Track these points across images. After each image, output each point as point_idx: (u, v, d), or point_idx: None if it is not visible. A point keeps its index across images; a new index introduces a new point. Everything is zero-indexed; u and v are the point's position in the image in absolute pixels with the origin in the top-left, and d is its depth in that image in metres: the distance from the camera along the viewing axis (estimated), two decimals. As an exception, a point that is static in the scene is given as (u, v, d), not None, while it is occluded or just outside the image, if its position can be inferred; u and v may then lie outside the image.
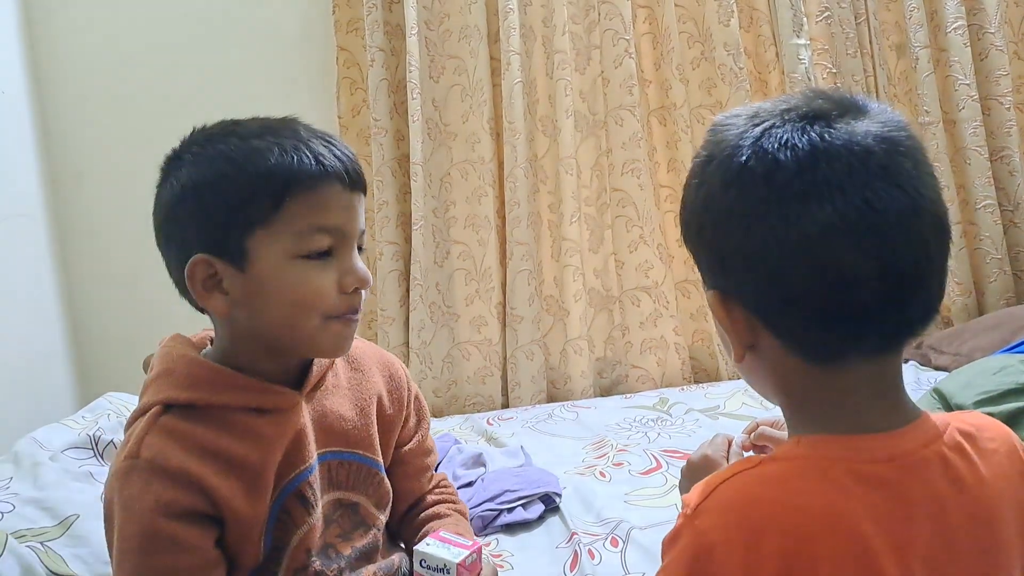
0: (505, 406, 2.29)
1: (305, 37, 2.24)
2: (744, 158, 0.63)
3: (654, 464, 1.71)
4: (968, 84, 2.36)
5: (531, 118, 2.26)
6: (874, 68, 2.39)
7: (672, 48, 2.29)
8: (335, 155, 0.87)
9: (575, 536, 1.39)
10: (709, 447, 0.89)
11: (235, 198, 0.85)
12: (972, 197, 2.40)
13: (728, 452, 0.89)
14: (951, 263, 2.31)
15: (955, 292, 2.41)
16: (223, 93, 2.21)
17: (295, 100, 2.24)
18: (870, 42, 2.38)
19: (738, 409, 2.03)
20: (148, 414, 0.88)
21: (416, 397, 1.11)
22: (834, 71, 2.38)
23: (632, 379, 2.33)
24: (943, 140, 2.38)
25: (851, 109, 0.64)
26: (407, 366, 2.22)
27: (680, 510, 0.65)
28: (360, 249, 0.92)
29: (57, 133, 2.14)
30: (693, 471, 0.87)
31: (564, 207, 2.25)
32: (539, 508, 1.49)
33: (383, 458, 1.04)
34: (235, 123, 0.89)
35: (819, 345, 0.64)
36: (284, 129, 0.88)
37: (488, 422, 2.06)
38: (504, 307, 2.27)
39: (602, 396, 2.29)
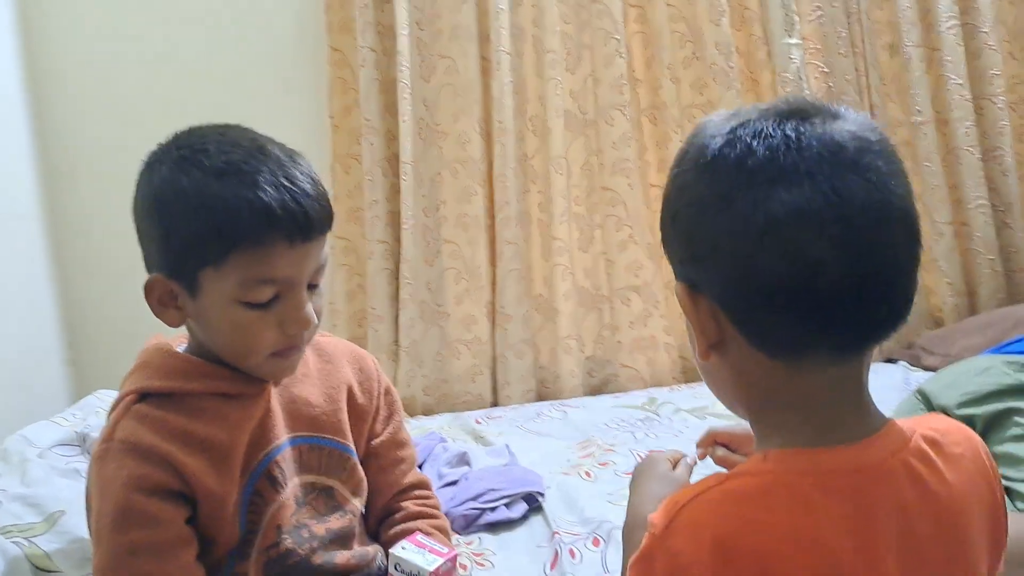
0: (495, 404, 2.31)
1: (298, 37, 2.25)
2: (718, 145, 0.64)
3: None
4: (961, 83, 2.36)
5: (521, 118, 2.27)
6: (866, 67, 2.39)
7: (663, 47, 2.29)
8: (288, 206, 0.88)
9: (556, 535, 1.41)
10: (655, 453, 0.92)
11: (189, 236, 0.89)
12: (964, 197, 2.40)
13: (676, 462, 0.91)
14: (943, 264, 2.34)
15: (947, 292, 2.41)
16: (217, 92, 2.22)
17: (288, 99, 2.26)
18: (862, 41, 2.39)
19: (727, 409, 2.03)
20: (123, 402, 0.94)
21: (387, 390, 1.14)
22: (826, 70, 2.39)
23: (622, 378, 2.34)
24: (935, 140, 2.38)
25: (827, 112, 0.65)
26: (397, 364, 2.25)
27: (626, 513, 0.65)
28: (313, 287, 0.95)
29: (52, 132, 2.16)
30: (638, 474, 0.90)
31: (554, 206, 2.26)
32: (522, 507, 1.50)
33: (356, 447, 1.08)
34: (203, 149, 0.90)
35: (782, 337, 0.63)
36: (245, 168, 0.88)
37: (476, 420, 2.07)
38: (494, 306, 2.29)
39: (592, 395, 2.30)
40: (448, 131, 2.25)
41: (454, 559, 0.96)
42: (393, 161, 2.23)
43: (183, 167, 0.90)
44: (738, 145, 0.62)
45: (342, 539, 1.04)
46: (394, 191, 2.23)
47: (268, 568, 0.98)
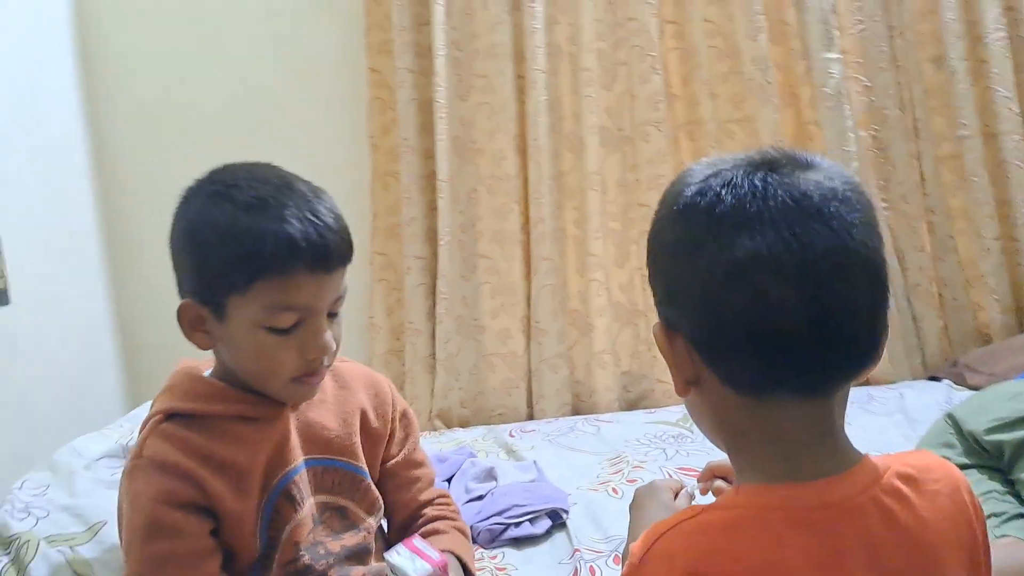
0: (530, 418, 2.34)
1: (340, 59, 2.32)
2: (691, 193, 0.67)
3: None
4: (1009, 96, 2.32)
5: (556, 135, 2.30)
6: (909, 81, 2.36)
7: (700, 63, 2.30)
8: (311, 238, 0.93)
9: (577, 552, 1.43)
10: (659, 481, 0.94)
11: (218, 266, 0.95)
12: (1013, 213, 2.35)
13: (678, 492, 0.93)
14: (990, 281, 2.29)
15: (995, 309, 2.36)
16: (263, 112, 2.31)
17: (329, 119, 2.33)
18: (905, 54, 2.36)
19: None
20: (151, 421, 1.01)
21: (404, 414, 1.19)
22: (868, 84, 2.37)
23: (658, 393, 2.35)
24: (982, 154, 2.34)
25: (800, 163, 0.67)
26: (433, 377, 2.29)
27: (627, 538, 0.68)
28: (333, 315, 1.00)
29: (108, 153, 2.26)
30: (639, 499, 0.91)
31: (589, 222, 2.28)
32: (546, 523, 1.53)
33: (371, 469, 1.12)
34: (235, 184, 0.96)
35: (748, 376, 0.66)
36: (272, 202, 0.94)
37: (510, 434, 2.10)
38: (529, 320, 2.32)
39: (627, 410, 2.31)
40: (484, 149, 2.29)
41: (444, 567, 0.99)
42: (430, 179, 2.28)
43: (215, 201, 0.96)
44: (708, 194, 0.65)
45: (357, 555, 1.08)
46: (431, 208, 2.28)
47: None
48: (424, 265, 2.29)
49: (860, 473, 0.67)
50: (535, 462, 1.80)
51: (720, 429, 0.72)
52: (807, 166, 0.66)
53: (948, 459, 1.36)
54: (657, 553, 0.65)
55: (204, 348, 1.02)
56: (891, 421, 1.97)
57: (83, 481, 1.26)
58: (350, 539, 1.08)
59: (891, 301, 0.69)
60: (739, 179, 0.65)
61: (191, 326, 0.99)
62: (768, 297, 0.62)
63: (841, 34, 2.32)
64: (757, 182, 0.64)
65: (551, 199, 2.27)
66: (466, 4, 2.26)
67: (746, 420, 0.68)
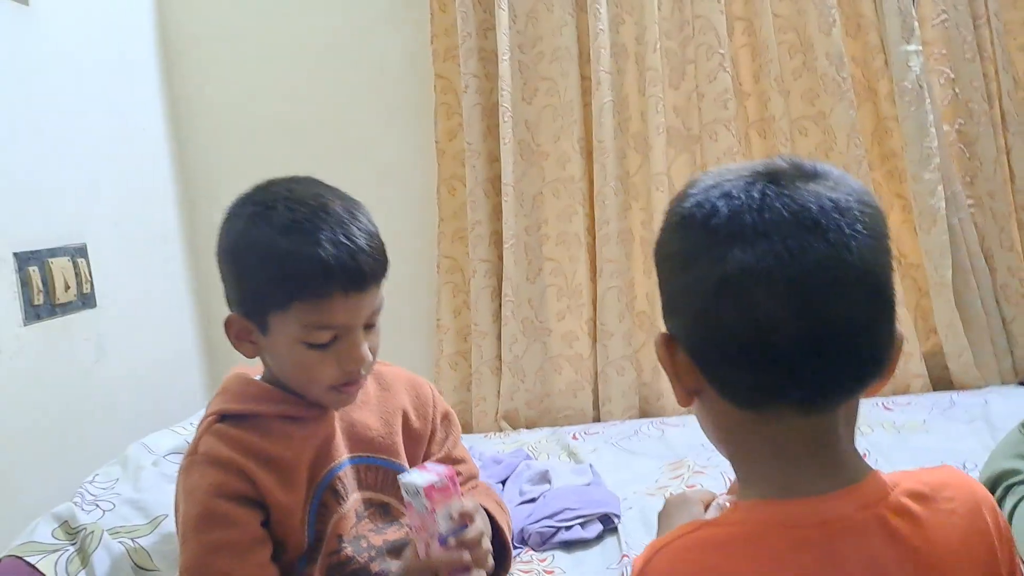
0: (596, 420, 2.33)
1: (407, 67, 2.37)
2: (689, 204, 0.66)
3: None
4: (1111, 85, 2.17)
5: (622, 135, 2.28)
6: (996, 73, 2.23)
7: (771, 59, 2.24)
8: (344, 261, 0.97)
9: (626, 558, 1.42)
10: (690, 491, 0.92)
11: (258, 284, 1.01)
12: (1115, 208, 2.20)
13: (708, 504, 0.91)
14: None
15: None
16: (335, 119, 2.38)
17: (397, 126, 2.39)
18: (991, 44, 2.23)
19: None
20: (206, 421, 1.08)
21: (445, 415, 1.22)
22: (952, 77, 2.26)
23: (727, 397, 2.30)
24: (1079, 147, 2.20)
25: (806, 174, 0.65)
26: (500, 378, 2.31)
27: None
28: (370, 327, 1.04)
29: (191, 159, 2.38)
30: (669, 508, 0.90)
31: (655, 224, 2.25)
32: (597, 528, 1.52)
33: (411, 466, 1.15)
34: (273, 206, 1.01)
35: (744, 389, 0.65)
36: (307, 225, 0.98)
37: (573, 436, 2.11)
38: (595, 323, 2.31)
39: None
40: (549, 151, 2.29)
41: (452, 477, 1.00)
42: (495, 182, 2.30)
43: (255, 222, 1.01)
44: (707, 205, 0.65)
45: (399, 550, 1.11)
46: (496, 211, 2.30)
47: (330, 572, 1.07)
48: (490, 268, 2.31)
49: (864, 490, 0.65)
50: (591, 465, 1.80)
51: (722, 442, 0.71)
52: (812, 177, 0.65)
53: (1021, 472, 1.29)
54: (654, 567, 0.65)
55: (251, 357, 1.08)
56: (971, 429, 1.88)
57: (149, 476, 1.34)
58: (392, 534, 1.12)
59: (899, 313, 0.66)
60: (737, 191, 0.64)
61: (238, 337, 1.06)
62: (759, 312, 0.61)
63: (922, 25, 2.22)
64: (755, 194, 0.63)
65: (616, 201, 2.25)
66: (531, 8, 2.27)
67: (745, 433, 0.67)
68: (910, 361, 2.24)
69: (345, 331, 1.01)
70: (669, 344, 0.69)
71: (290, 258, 0.97)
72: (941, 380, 2.27)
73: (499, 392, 2.32)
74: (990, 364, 2.23)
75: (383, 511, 1.12)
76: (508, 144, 2.22)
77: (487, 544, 1.03)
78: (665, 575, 0.64)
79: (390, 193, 2.39)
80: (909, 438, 1.88)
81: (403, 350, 2.12)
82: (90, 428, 1.75)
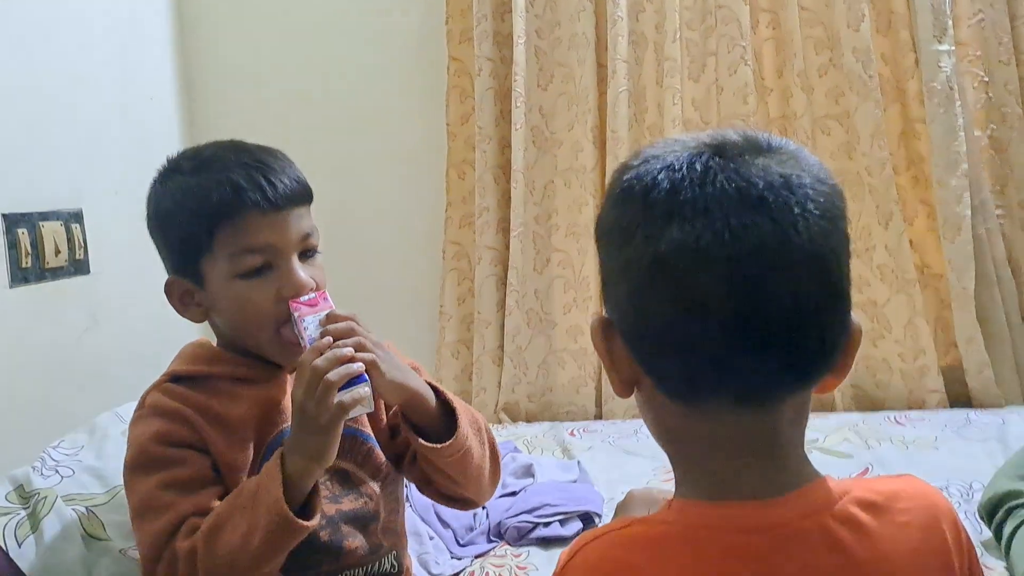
0: (598, 418, 2.27)
1: (421, 48, 2.33)
2: (629, 176, 0.61)
3: None
4: None
5: (637, 126, 2.22)
6: (1033, 76, 2.14)
7: (795, 54, 2.16)
8: (255, 179, 0.97)
9: (601, 559, 1.37)
10: (654, 488, 0.86)
11: (181, 232, 1.00)
12: None
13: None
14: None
15: None
16: (347, 96, 2.36)
17: (408, 108, 2.35)
18: (1030, 47, 2.13)
19: (837, 445, 1.89)
20: (156, 382, 1.07)
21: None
22: (986, 79, 2.16)
23: (733, 400, 2.23)
24: (1120, 157, 2.09)
25: (758, 147, 0.60)
26: (501, 369, 2.27)
27: None
28: (309, 253, 1.02)
29: (200, 135, 2.35)
30: (627, 501, 0.85)
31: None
32: (577, 526, 1.47)
33: (377, 433, 1.11)
34: (183, 157, 1.04)
35: (676, 379, 0.60)
36: (215, 163, 1.00)
37: (571, 432, 2.06)
38: (600, 318, 2.25)
39: (698, 416, 2.21)
40: (562, 139, 2.24)
41: (323, 294, 0.99)
42: (506, 168, 2.25)
43: (167, 176, 1.03)
44: (646, 178, 0.59)
45: (358, 520, 1.07)
46: (506, 198, 2.25)
47: None
48: (496, 256, 2.27)
49: (808, 496, 0.59)
50: (579, 462, 1.74)
51: (660, 437, 0.66)
52: (763, 151, 0.59)
53: (1023, 494, 1.22)
54: (578, 562, 0.61)
55: (198, 321, 1.06)
56: (984, 449, 1.79)
57: (113, 445, 1.30)
58: (348, 503, 1.07)
59: (850, 305, 0.60)
60: (680, 163, 0.58)
61: (181, 301, 1.04)
62: (692, 294, 0.56)
63: (956, 24, 2.12)
64: (698, 167, 0.58)
65: (628, 193, 2.19)
66: (549, -8, 2.22)
67: (681, 429, 0.62)
68: (926, 375, 2.15)
69: (275, 256, 0.99)
70: (607, 329, 0.63)
71: (201, 189, 0.98)
72: (959, 397, 2.18)
73: (500, 383, 2.27)
74: (1012, 382, 2.14)
75: (341, 477, 1.07)
76: (520, 130, 2.17)
77: (366, 340, 0.95)
78: (587, 569, 0.60)
79: (399, 174, 2.35)
80: (917, 455, 1.80)
81: (404, 336, 2.08)
82: (76, 396, 1.73)
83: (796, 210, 0.56)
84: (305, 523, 0.90)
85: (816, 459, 0.73)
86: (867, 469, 1.75)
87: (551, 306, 2.30)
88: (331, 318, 0.97)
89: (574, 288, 2.27)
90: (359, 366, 0.92)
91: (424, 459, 1.05)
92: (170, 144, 2.25)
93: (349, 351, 0.92)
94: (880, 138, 2.12)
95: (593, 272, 2.25)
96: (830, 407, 2.20)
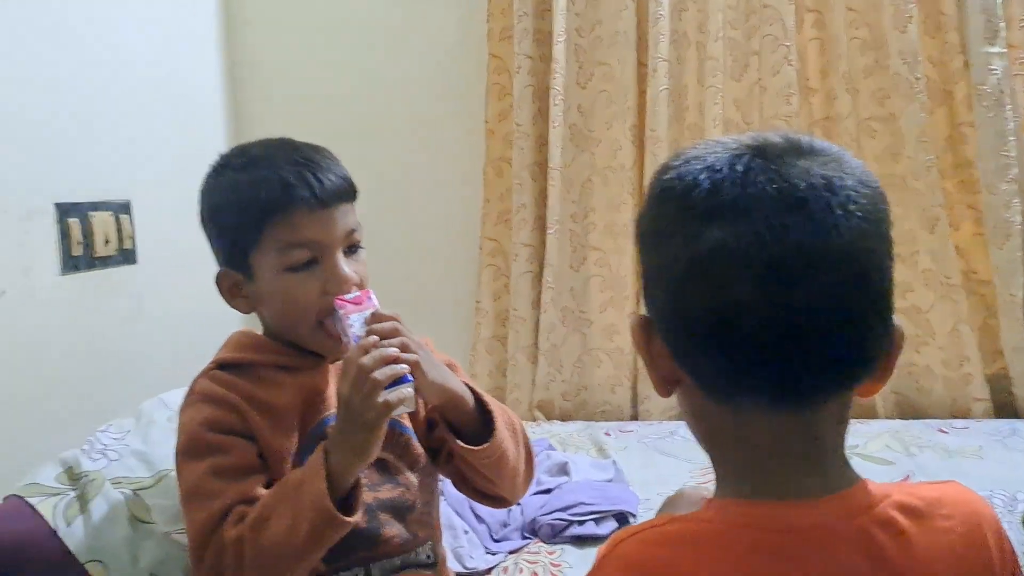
0: (634, 418, 2.27)
1: (462, 46, 2.34)
2: (670, 176, 0.62)
3: None
4: None
5: (677, 125, 2.21)
6: (1087, 80, 2.09)
7: (840, 55, 2.14)
8: (304, 176, 1.00)
9: (635, 558, 1.36)
10: (690, 489, 0.86)
11: (231, 226, 1.04)
12: None
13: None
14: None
15: None
16: (388, 94, 2.38)
17: (449, 105, 2.36)
18: (1085, 49, 2.08)
19: (878, 452, 1.87)
20: (204, 369, 1.09)
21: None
22: (1038, 83, 2.12)
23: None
24: None
25: (799, 149, 0.60)
26: (535, 367, 2.27)
27: None
28: (353, 249, 1.05)
29: (245, 131, 2.39)
30: (667, 506, 0.85)
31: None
32: (611, 525, 1.47)
33: (416, 427, 1.12)
34: (232, 154, 1.07)
35: (715, 379, 0.60)
36: (265, 160, 1.03)
37: (606, 433, 2.05)
38: (637, 317, 2.25)
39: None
40: (601, 138, 2.24)
41: (368, 293, 1.02)
42: (544, 166, 2.26)
43: (218, 173, 1.06)
44: (687, 178, 0.59)
45: (395, 509, 1.08)
46: (543, 196, 2.26)
47: None
48: (532, 253, 2.27)
49: (847, 500, 0.59)
50: (614, 461, 1.74)
51: (700, 436, 0.65)
52: (806, 153, 0.59)
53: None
54: (615, 557, 0.61)
55: (245, 312, 1.08)
56: (1028, 459, 1.75)
57: (160, 431, 1.33)
58: (386, 492, 1.09)
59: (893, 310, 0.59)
60: (720, 164, 0.58)
61: (230, 293, 1.07)
62: (729, 294, 0.56)
63: (1008, 26, 2.08)
64: (739, 167, 0.58)
65: (667, 193, 2.18)
66: (591, -10, 2.22)
67: (720, 428, 0.62)
68: (971, 384, 2.12)
69: (321, 251, 1.01)
70: (646, 328, 0.63)
71: (252, 186, 1.00)
72: (1005, 407, 2.14)
73: (534, 381, 2.28)
74: (1059, 392, 2.09)
75: (380, 467, 1.08)
76: (558, 128, 2.17)
77: (410, 341, 0.97)
78: (623, 564, 0.60)
79: (437, 170, 2.37)
80: (960, 464, 1.77)
81: (441, 331, 2.07)
82: (124, 384, 1.77)
83: (837, 212, 0.56)
84: (348, 519, 0.92)
85: (856, 465, 0.72)
86: (908, 476, 1.72)
87: (587, 304, 2.29)
88: (376, 317, 0.99)
89: (611, 287, 2.27)
90: (404, 367, 0.94)
91: (460, 459, 1.07)
92: (215, 140, 2.30)
93: (394, 351, 0.94)
94: (926, 141, 2.09)
95: (630, 271, 2.25)
96: (871, 414, 2.17)
